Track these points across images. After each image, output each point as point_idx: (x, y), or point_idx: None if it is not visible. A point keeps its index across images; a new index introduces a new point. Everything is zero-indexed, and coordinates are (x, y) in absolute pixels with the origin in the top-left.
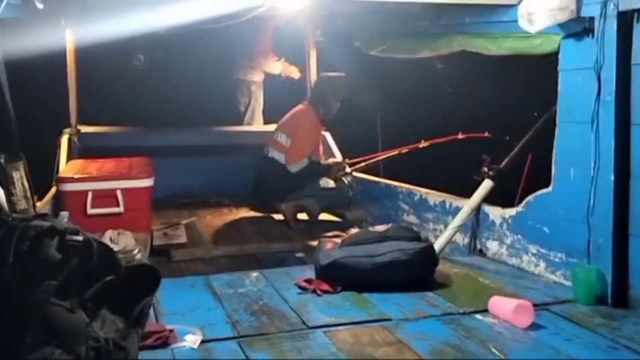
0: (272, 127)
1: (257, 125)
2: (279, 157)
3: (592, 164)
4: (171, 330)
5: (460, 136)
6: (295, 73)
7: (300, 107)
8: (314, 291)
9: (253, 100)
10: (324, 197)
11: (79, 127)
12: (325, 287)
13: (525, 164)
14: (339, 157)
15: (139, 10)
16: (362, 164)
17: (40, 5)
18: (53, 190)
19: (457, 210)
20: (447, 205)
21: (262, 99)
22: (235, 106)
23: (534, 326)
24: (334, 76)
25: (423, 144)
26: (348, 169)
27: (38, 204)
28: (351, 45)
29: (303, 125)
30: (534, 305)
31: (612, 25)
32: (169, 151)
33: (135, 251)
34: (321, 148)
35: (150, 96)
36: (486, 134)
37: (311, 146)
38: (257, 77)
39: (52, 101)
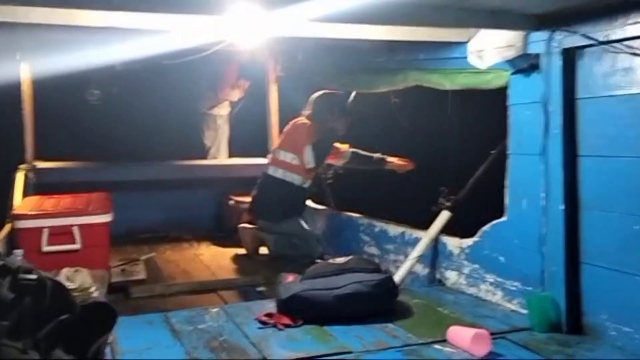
0: (235, 161)
1: (222, 158)
2: (290, 177)
3: (543, 195)
4: None
5: None
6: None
7: (301, 122)
8: (274, 325)
9: (220, 133)
10: (287, 243)
11: (35, 162)
12: (286, 321)
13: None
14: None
15: (95, 46)
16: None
17: None
18: (7, 227)
19: (417, 241)
20: (407, 236)
21: (227, 132)
22: (199, 139)
23: (491, 355)
24: (331, 92)
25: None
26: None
27: None
28: (311, 80)
29: (304, 137)
30: (491, 334)
31: (557, 62)
32: (129, 186)
33: (93, 289)
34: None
35: (108, 130)
36: None
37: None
38: (224, 110)
39: (7, 137)
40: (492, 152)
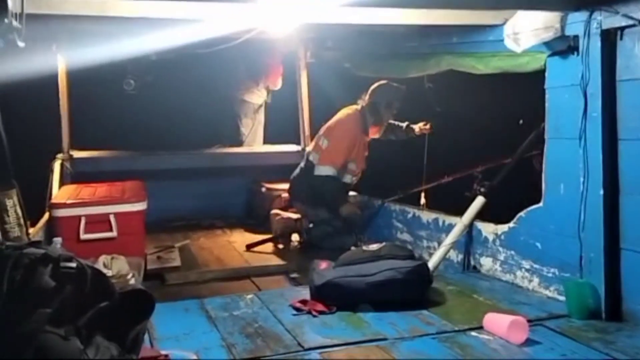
0: (266, 148)
1: (257, 145)
2: (314, 158)
3: (582, 179)
4: (166, 356)
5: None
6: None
7: (347, 111)
8: (309, 312)
9: (257, 122)
10: (321, 233)
11: (71, 152)
12: (320, 307)
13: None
14: None
15: (129, 36)
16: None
17: (21, 44)
18: (46, 216)
19: (450, 227)
20: (440, 223)
21: (263, 121)
22: (231, 128)
23: (529, 342)
24: (393, 86)
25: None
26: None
27: (31, 230)
28: (341, 66)
29: (343, 128)
30: (529, 321)
31: (596, 43)
32: (162, 174)
33: (129, 276)
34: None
35: (142, 119)
36: None
37: (346, 152)
38: (262, 99)
39: (44, 127)
40: (521, 122)
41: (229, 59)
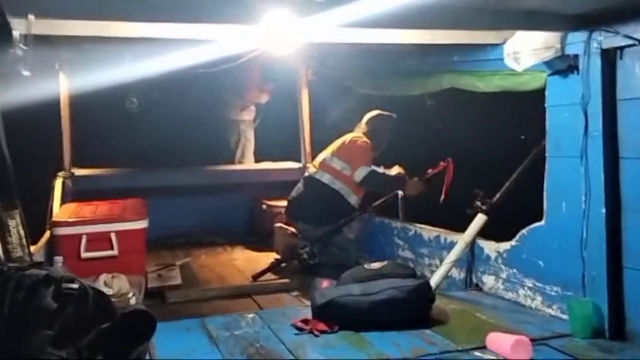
0: (267, 165)
1: (248, 163)
2: (338, 185)
3: (583, 198)
4: None
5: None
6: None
7: (358, 137)
8: (311, 332)
9: (243, 138)
10: (324, 252)
11: (73, 170)
12: (322, 327)
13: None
14: None
15: (132, 56)
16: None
17: (26, 73)
18: (47, 234)
19: (452, 245)
20: (442, 240)
21: (252, 137)
22: (226, 145)
23: None
24: (389, 116)
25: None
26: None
27: (32, 248)
28: (343, 83)
29: (363, 155)
30: (532, 340)
31: (596, 63)
32: (163, 191)
33: (130, 294)
34: None
35: (142, 137)
36: None
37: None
38: (247, 115)
39: (47, 145)
40: (522, 137)
41: (222, 78)
